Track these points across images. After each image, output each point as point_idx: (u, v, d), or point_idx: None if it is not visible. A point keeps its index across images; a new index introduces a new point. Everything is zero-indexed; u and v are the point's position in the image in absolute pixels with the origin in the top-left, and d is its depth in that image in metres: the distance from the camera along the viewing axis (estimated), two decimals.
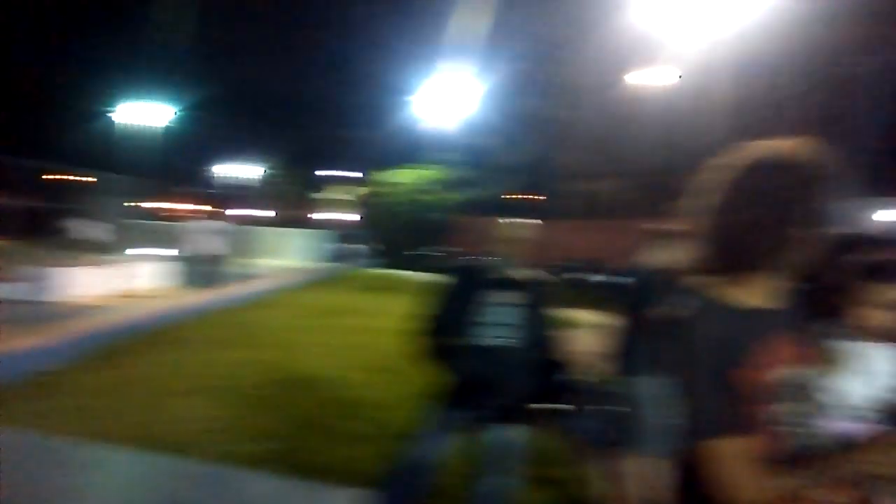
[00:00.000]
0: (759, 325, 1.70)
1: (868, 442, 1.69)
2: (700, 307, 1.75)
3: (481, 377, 3.56)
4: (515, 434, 3.61)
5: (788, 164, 1.70)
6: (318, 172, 48.10)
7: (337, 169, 46.82)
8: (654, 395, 3.88)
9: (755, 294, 1.74)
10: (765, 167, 1.71)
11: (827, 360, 1.83)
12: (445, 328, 3.65)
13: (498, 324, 3.59)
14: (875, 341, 2.00)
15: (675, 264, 4.11)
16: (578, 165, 27.20)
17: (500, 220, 3.80)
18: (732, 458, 1.62)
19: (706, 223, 1.76)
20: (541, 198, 29.77)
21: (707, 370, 1.65)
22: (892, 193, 15.72)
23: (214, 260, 14.16)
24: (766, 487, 1.61)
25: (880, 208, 15.61)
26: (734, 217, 1.71)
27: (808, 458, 1.66)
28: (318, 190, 48.39)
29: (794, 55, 17.36)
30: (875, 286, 1.99)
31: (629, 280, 4.30)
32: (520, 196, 29.53)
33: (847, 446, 1.69)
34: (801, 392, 1.72)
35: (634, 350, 4.08)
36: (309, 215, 45.51)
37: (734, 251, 1.72)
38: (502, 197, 28.42)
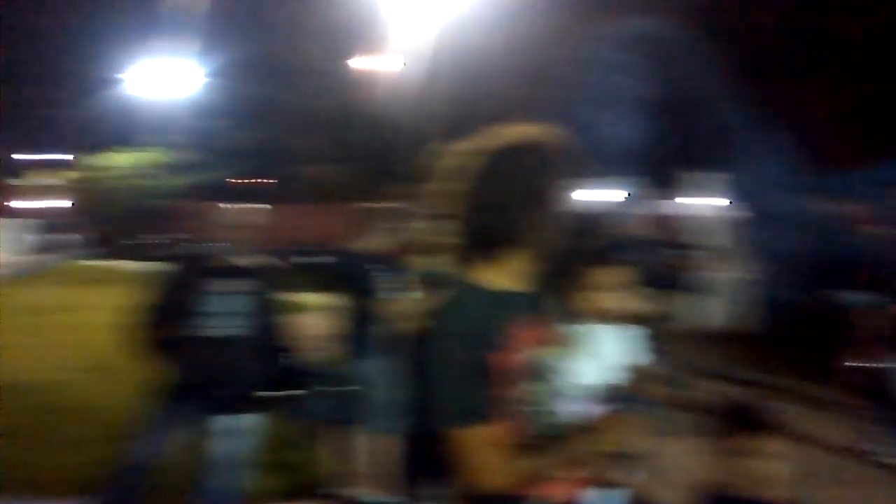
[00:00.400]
0: (509, 307, 1.72)
1: (600, 421, 1.80)
2: (453, 290, 1.76)
3: (207, 368, 3.47)
4: (246, 423, 3.56)
5: (533, 147, 1.76)
6: (15, 156, 43.22)
7: (40, 152, 42.39)
8: (383, 374, 4.03)
9: (505, 276, 1.77)
10: (511, 150, 1.75)
11: (563, 342, 1.90)
12: (168, 319, 3.51)
13: (223, 313, 3.52)
14: (605, 322, 2.19)
15: (397, 246, 4.29)
16: (307, 149, 27.11)
17: (227, 206, 3.72)
18: (482, 445, 1.62)
19: (455, 206, 1.77)
20: (269, 182, 29.27)
21: (460, 356, 1.64)
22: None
23: None
24: (512, 471, 1.64)
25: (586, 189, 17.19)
26: (483, 199, 1.72)
27: (549, 439, 1.72)
28: (17, 175, 43.54)
29: (510, 46, 18.60)
30: (603, 269, 2.17)
31: (354, 262, 4.41)
32: (247, 181, 28.80)
33: (583, 426, 1.78)
34: (542, 374, 1.78)
35: (362, 331, 4.20)
36: (7, 203, 40.84)
37: (483, 233, 1.74)
38: (229, 181, 27.55)
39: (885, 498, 5.15)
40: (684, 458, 2.63)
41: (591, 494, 1.87)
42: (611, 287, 2.16)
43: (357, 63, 25.52)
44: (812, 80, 16.39)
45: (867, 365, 7.34)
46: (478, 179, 1.73)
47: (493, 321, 1.68)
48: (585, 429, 1.77)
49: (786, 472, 2.39)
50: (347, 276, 4.40)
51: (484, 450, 1.62)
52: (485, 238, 1.75)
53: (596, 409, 1.89)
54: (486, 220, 1.73)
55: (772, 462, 2.39)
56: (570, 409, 1.85)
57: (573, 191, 1.80)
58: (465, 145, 1.80)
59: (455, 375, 1.64)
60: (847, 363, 7.65)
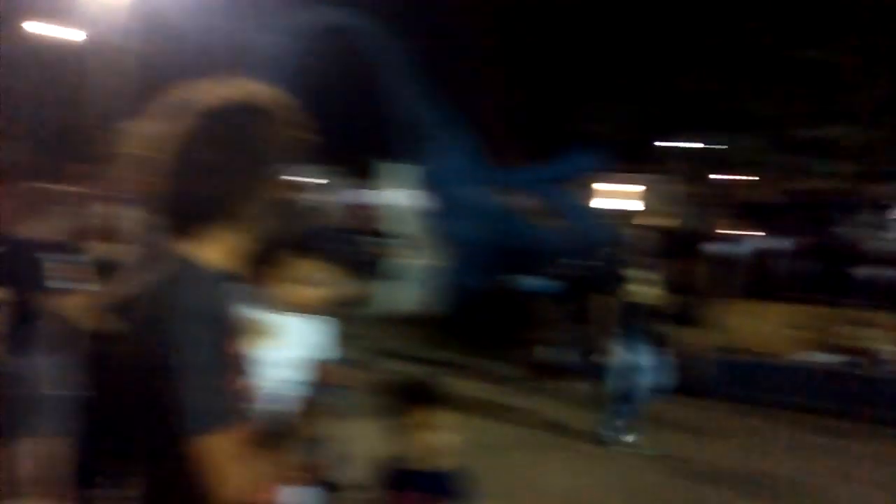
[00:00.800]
0: (229, 290, 1.52)
1: (297, 413, 1.76)
2: (172, 272, 1.48)
3: None
4: None
5: (253, 107, 1.56)
6: None
7: None
8: (49, 373, 3.73)
9: (216, 254, 1.53)
10: (229, 109, 1.54)
11: (261, 332, 1.83)
12: None
13: None
14: (300, 313, 2.17)
15: (75, 231, 3.98)
16: None
17: None
18: (227, 451, 1.40)
19: (158, 175, 1.51)
20: None
21: (201, 348, 1.39)
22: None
23: None
24: (250, 477, 1.44)
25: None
26: (195, 163, 1.48)
27: (260, 437, 1.54)
28: None
29: (207, 24, 17.92)
30: (301, 258, 2.15)
31: (21, 249, 4.00)
32: None
33: (282, 419, 1.70)
34: (249, 367, 1.60)
35: (26, 326, 3.83)
36: None
37: (194, 203, 1.50)
38: None
39: (565, 463, 5.78)
40: (366, 436, 2.76)
41: (291, 493, 1.86)
42: (308, 278, 2.18)
43: (32, 28, 23.05)
44: (492, 79, 17.81)
45: (545, 345, 8.23)
46: (189, 141, 1.49)
47: (222, 305, 1.46)
48: (285, 422, 1.69)
49: (456, 442, 2.60)
50: (11, 264, 3.97)
51: (229, 457, 1.40)
52: (194, 209, 1.51)
53: (291, 401, 1.83)
54: (198, 187, 1.49)
55: (444, 434, 2.59)
56: (269, 402, 1.77)
57: (291, 162, 1.62)
58: (166, 104, 1.54)
59: (196, 372, 1.39)
60: (526, 343, 8.51)
